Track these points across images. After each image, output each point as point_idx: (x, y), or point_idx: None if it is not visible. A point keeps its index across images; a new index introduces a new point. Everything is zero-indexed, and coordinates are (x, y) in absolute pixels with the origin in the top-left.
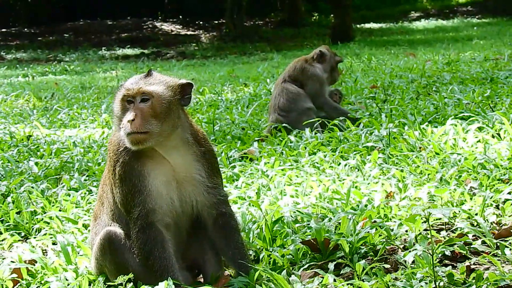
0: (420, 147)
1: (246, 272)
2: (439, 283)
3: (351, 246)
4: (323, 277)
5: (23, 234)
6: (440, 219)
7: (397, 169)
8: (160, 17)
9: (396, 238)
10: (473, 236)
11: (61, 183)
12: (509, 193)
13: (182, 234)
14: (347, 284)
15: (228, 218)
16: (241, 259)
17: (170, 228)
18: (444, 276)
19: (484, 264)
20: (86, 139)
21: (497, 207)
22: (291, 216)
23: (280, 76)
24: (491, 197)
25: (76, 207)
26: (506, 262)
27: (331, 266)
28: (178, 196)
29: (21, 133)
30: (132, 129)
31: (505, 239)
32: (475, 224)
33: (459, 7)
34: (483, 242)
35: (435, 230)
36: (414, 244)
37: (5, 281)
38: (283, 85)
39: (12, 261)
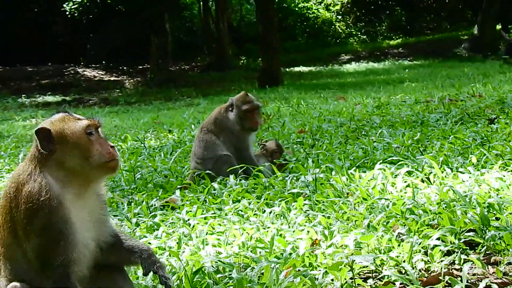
0: (347, 193)
1: (149, 256)
2: None
3: None
4: None
5: None
6: (366, 266)
7: (323, 215)
8: (82, 63)
9: (322, 287)
10: (400, 284)
11: None
12: (437, 238)
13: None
14: None
15: (118, 233)
16: (142, 249)
17: (83, 280)
18: None
19: None
20: (1, 190)
21: (425, 253)
22: (213, 267)
23: (200, 124)
24: (420, 243)
25: None
26: None
27: None
28: (94, 240)
29: None
30: (116, 155)
31: (434, 286)
32: (403, 272)
33: (390, 49)
34: None
35: (361, 278)
36: None
37: None
38: (200, 135)
39: None
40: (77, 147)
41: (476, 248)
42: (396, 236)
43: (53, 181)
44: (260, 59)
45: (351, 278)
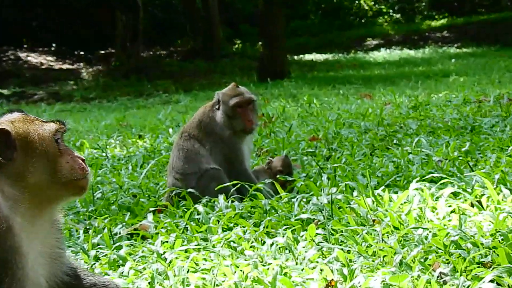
0: (373, 220)
1: None
2: None
3: None
4: None
5: None
6: None
7: (341, 249)
8: (25, 46)
9: None
10: None
11: None
12: (491, 281)
13: None
14: None
15: (77, 269)
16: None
17: None
18: None
19: None
20: None
21: None
22: None
23: (180, 128)
24: (468, 286)
25: None
26: None
27: None
28: (47, 279)
29: None
30: (88, 171)
31: None
32: None
33: (431, 33)
34: None
35: None
36: None
37: None
38: (180, 142)
39: None
40: (45, 158)
41: None
42: (437, 277)
43: (1, 198)
44: (259, 43)
45: None
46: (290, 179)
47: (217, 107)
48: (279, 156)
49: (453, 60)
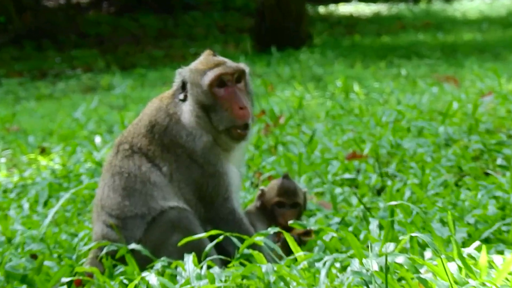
0: None
1: None
2: None
3: None
4: None
5: None
6: None
7: None
8: None
9: None
10: None
11: None
12: None
13: None
14: None
15: None
16: None
17: None
18: None
19: None
20: None
21: None
22: None
23: (117, 137)
24: None
25: None
26: None
27: None
28: None
29: None
30: None
31: None
32: None
33: None
34: None
35: None
36: None
37: None
38: (116, 161)
39: None
40: None
41: None
42: None
43: None
44: None
45: None
46: (311, 227)
47: (181, 96)
48: (275, 179)
49: None
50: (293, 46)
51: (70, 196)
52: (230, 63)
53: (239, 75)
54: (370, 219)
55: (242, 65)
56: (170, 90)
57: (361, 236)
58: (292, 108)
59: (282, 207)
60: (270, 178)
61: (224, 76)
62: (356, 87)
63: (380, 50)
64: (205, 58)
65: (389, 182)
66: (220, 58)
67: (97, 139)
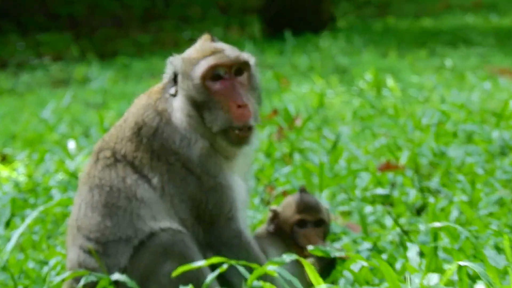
0: None
1: None
2: None
3: None
4: None
5: None
6: None
7: None
8: None
9: None
10: None
11: None
12: None
13: None
14: None
15: None
16: None
17: None
18: None
19: None
20: None
21: None
22: None
23: (96, 144)
24: None
25: None
26: None
27: None
28: None
29: None
30: None
31: None
32: None
33: None
34: None
35: None
36: None
37: None
38: (95, 171)
39: None
40: None
41: None
42: None
43: None
44: None
45: None
46: (336, 253)
47: (172, 90)
48: (291, 195)
49: None
50: (311, 30)
51: (38, 214)
52: (229, 51)
53: (240, 67)
54: (408, 244)
55: (245, 55)
56: (160, 83)
57: (398, 266)
58: (311, 107)
59: (305, 227)
60: (284, 193)
61: (220, 68)
62: (389, 82)
63: (420, 36)
64: (201, 44)
65: (431, 199)
66: (219, 45)
67: (71, 144)
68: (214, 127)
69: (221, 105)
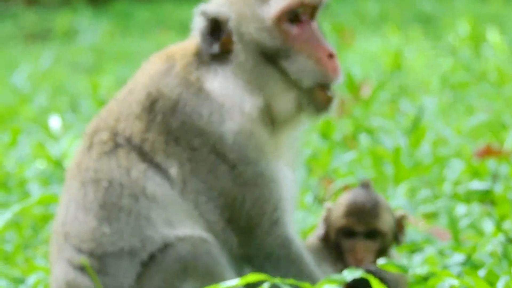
0: None
1: None
2: None
3: None
4: None
5: None
6: None
7: None
8: None
9: None
10: None
11: None
12: None
13: None
14: None
15: None
16: None
17: None
18: None
19: None
20: None
21: None
22: None
23: (91, 123)
24: None
25: None
26: None
27: None
28: None
29: None
30: None
31: None
32: None
33: None
34: None
35: None
36: None
37: None
38: (89, 160)
39: None
40: None
41: None
42: None
43: None
44: None
45: None
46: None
47: (214, 48)
48: (350, 190)
49: None
50: None
51: (12, 217)
52: None
53: (316, 8)
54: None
55: None
56: (188, 40)
57: (499, 286)
58: (384, 70)
59: (351, 237)
60: (346, 189)
61: (302, 8)
62: (492, 35)
63: None
64: None
65: None
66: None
67: (54, 122)
68: (305, 82)
69: (306, 54)
